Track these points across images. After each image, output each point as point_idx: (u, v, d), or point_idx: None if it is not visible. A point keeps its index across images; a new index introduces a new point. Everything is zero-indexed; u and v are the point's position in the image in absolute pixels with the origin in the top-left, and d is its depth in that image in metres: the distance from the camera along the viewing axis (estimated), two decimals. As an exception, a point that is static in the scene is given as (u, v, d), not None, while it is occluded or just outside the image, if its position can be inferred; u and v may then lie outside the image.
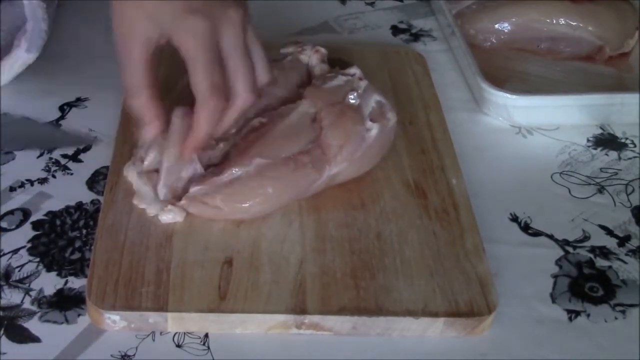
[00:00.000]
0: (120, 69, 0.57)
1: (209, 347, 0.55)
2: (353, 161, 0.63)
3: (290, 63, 0.70)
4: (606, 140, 0.77)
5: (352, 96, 0.64)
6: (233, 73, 0.57)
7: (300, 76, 0.70)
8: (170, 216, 0.60)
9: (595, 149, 0.76)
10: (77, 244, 0.61)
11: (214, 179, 0.60)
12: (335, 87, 0.66)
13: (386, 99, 0.67)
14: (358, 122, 0.63)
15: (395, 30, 0.90)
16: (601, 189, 0.71)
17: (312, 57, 0.71)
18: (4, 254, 0.59)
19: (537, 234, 0.66)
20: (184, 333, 0.56)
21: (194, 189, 0.60)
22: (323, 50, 0.72)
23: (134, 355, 0.54)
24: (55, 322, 0.55)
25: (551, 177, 0.72)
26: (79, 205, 0.64)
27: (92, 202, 0.64)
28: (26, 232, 0.61)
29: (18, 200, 0.64)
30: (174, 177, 0.61)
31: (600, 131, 0.78)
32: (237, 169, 0.60)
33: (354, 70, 0.67)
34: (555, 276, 0.63)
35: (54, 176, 0.66)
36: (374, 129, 0.64)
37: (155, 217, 0.60)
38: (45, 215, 0.63)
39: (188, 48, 0.55)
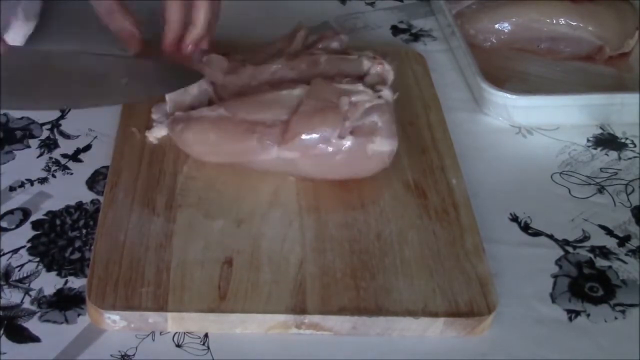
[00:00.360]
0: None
1: (208, 347, 0.55)
2: (307, 157, 0.62)
3: (354, 60, 0.68)
4: (606, 140, 0.77)
5: (343, 101, 0.63)
6: None
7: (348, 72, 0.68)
8: (154, 132, 0.67)
9: (595, 149, 0.76)
10: (77, 243, 0.61)
11: (191, 112, 0.65)
12: (344, 89, 0.64)
13: (387, 126, 0.63)
14: (328, 124, 0.62)
15: (395, 30, 0.90)
16: (601, 189, 0.71)
17: (371, 68, 0.68)
18: (4, 254, 0.59)
19: (537, 234, 0.66)
20: (184, 333, 0.56)
21: (177, 114, 0.65)
22: (388, 67, 0.68)
23: (133, 355, 0.54)
24: (55, 322, 0.55)
25: (551, 177, 0.72)
26: (79, 205, 0.64)
27: (92, 202, 0.64)
28: (26, 232, 0.61)
29: (18, 200, 0.64)
30: (181, 91, 0.66)
31: (600, 131, 0.78)
32: (205, 111, 0.64)
33: (384, 91, 0.64)
34: (555, 276, 0.63)
35: (54, 176, 0.66)
36: (346, 140, 0.62)
37: (155, 216, 0.61)
38: (45, 215, 0.63)
39: None
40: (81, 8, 0.82)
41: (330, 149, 0.62)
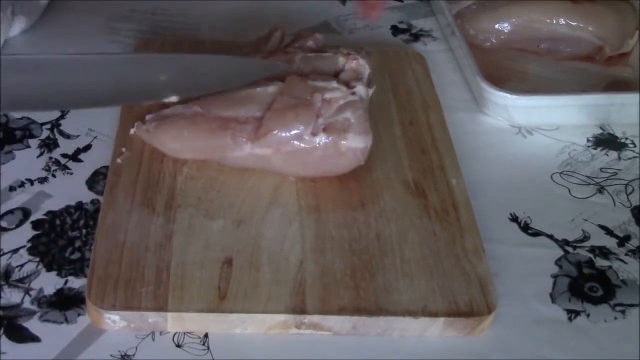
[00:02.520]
0: None
1: (208, 347, 0.55)
2: (281, 154, 0.63)
3: (329, 57, 0.68)
4: (606, 140, 0.77)
5: (316, 98, 0.63)
6: None
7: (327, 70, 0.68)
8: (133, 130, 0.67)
9: (595, 149, 0.76)
10: (77, 243, 0.61)
11: (164, 111, 0.66)
12: (317, 86, 0.64)
13: (360, 122, 0.63)
14: (301, 120, 0.62)
15: (395, 30, 0.90)
16: (601, 189, 0.71)
17: (347, 63, 0.67)
18: (4, 254, 0.59)
19: (537, 234, 0.66)
20: (184, 333, 0.56)
21: (148, 116, 0.66)
22: (362, 62, 0.67)
23: (133, 355, 0.54)
24: (55, 321, 0.55)
25: (551, 177, 0.72)
26: (79, 205, 0.64)
27: (92, 202, 0.64)
28: (26, 232, 0.61)
29: (18, 199, 0.64)
30: None
31: (600, 131, 0.78)
32: (179, 108, 0.65)
33: (358, 88, 0.64)
34: (555, 276, 0.63)
35: (54, 176, 0.66)
36: (318, 137, 0.62)
37: (155, 216, 0.61)
38: (45, 215, 0.63)
39: None
40: (82, 7, 0.83)
41: (302, 145, 0.62)
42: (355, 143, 0.63)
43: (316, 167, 0.64)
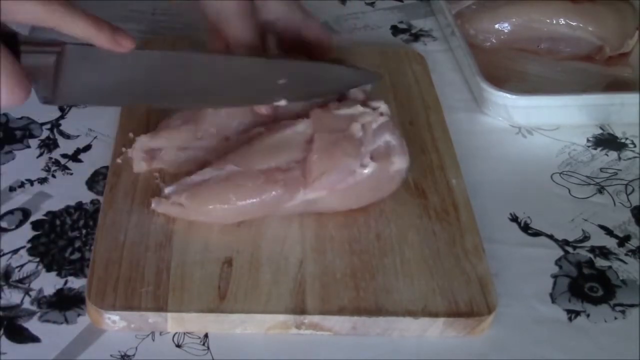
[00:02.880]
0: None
1: (208, 347, 0.55)
2: (334, 192, 0.60)
3: None
4: (606, 140, 0.77)
5: (354, 128, 0.61)
6: None
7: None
8: (135, 166, 0.64)
9: (595, 149, 0.76)
10: (77, 244, 0.61)
11: (186, 179, 0.61)
12: (346, 115, 0.62)
13: (400, 142, 0.62)
14: (350, 155, 0.59)
15: (395, 30, 0.90)
16: (601, 189, 0.71)
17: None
18: (4, 254, 0.59)
19: (537, 234, 0.66)
20: (184, 333, 0.56)
21: (167, 190, 0.61)
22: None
23: (133, 355, 0.54)
24: (55, 322, 0.55)
25: (551, 177, 0.72)
26: (79, 205, 0.64)
27: (92, 202, 0.64)
28: (26, 232, 0.61)
29: (18, 200, 0.64)
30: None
31: (600, 131, 0.78)
32: (209, 172, 0.60)
33: (379, 105, 0.63)
34: (555, 276, 0.63)
35: (53, 176, 0.66)
36: (369, 167, 0.60)
37: (155, 216, 0.61)
38: (45, 215, 0.63)
39: None
40: (81, 7, 0.82)
41: (355, 179, 0.60)
42: (401, 165, 0.62)
43: (369, 196, 0.63)
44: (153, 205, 0.60)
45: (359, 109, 0.62)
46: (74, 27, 0.51)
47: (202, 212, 0.60)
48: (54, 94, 0.55)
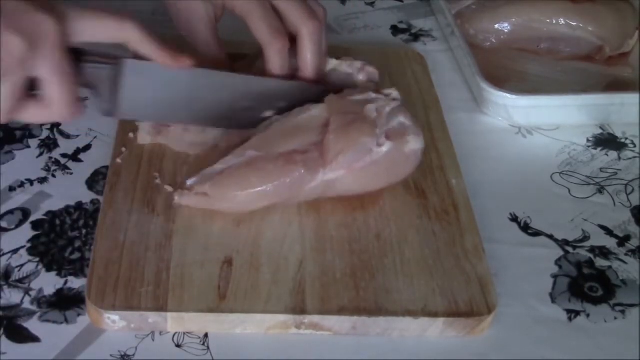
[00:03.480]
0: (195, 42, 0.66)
1: (208, 347, 0.55)
2: (352, 172, 0.61)
3: (335, 73, 0.69)
4: (606, 140, 0.77)
5: (369, 109, 0.62)
6: (288, 10, 0.64)
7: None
8: (140, 137, 0.67)
9: (595, 149, 0.76)
10: (77, 244, 0.61)
11: (207, 169, 0.62)
12: (360, 100, 0.64)
13: (414, 123, 0.63)
14: (366, 134, 0.61)
15: (395, 30, 0.90)
16: (601, 189, 0.71)
17: (358, 74, 0.69)
18: (4, 254, 0.59)
19: (537, 234, 0.66)
20: (184, 333, 0.56)
21: (190, 181, 0.62)
22: (371, 69, 0.69)
23: (133, 355, 0.54)
24: (54, 322, 0.55)
25: (551, 177, 0.72)
26: (79, 205, 0.64)
27: (92, 202, 0.64)
28: (26, 232, 0.61)
29: (18, 200, 0.64)
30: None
31: (600, 131, 0.78)
32: (230, 159, 0.61)
33: (391, 92, 0.65)
34: (555, 276, 0.63)
35: (53, 176, 0.66)
36: (385, 146, 0.61)
37: (155, 216, 0.61)
38: (45, 215, 0.63)
39: (242, 5, 0.63)
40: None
41: (372, 158, 0.61)
42: (416, 144, 0.63)
43: (386, 177, 0.64)
44: (176, 199, 0.61)
45: (371, 95, 0.64)
46: (142, 46, 0.56)
47: (227, 199, 0.61)
48: (114, 106, 0.58)
